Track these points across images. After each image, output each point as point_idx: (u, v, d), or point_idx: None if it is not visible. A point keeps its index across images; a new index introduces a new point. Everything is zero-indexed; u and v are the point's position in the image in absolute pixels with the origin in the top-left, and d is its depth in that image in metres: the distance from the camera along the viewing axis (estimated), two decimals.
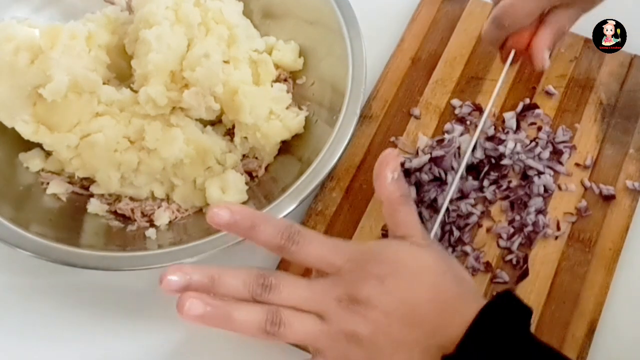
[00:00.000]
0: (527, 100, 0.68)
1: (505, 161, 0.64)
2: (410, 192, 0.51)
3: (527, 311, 0.46)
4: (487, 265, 0.61)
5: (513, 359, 0.43)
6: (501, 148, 0.65)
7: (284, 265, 0.60)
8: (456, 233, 0.61)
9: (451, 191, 0.59)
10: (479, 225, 0.62)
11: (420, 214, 0.62)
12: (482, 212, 0.63)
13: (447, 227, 0.61)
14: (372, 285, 0.46)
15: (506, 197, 0.63)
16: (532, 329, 0.58)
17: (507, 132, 0.66)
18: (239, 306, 0.46)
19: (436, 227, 0.57)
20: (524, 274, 0.60)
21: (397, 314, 0.46)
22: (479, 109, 0.68)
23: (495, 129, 0.67)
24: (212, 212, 0.48)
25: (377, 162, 0.51)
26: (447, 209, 0.62)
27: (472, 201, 0.63)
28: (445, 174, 0.64)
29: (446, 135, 0.66)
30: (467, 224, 0.62)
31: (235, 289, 0.47)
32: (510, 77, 0.70)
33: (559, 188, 0.64)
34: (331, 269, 0.48)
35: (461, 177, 0.63)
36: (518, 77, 0.70)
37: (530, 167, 0.64)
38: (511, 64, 0.62)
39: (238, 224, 0.48)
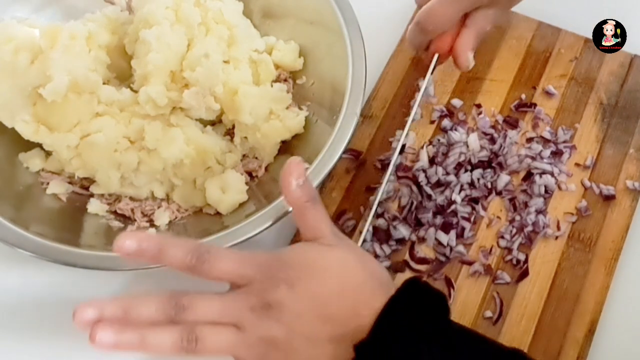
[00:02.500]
0: (523, 96, 0.68)
1: (509, 161, 0.64)
2: (317, 194, 0.53)
3: (438, 295, 0.47)
4: (488, 267, 0.61)
5: (426, 339, 0.44)
6: (496, 146, 0.65)
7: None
8: (452, 235, 0.61)
9: (381, 190, 0.60)
10: (473, 222, 0.62)
11: (420, 220, 0.62)
12: (485, 209, 0.63)
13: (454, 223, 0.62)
14: (282, 290, 0.48)
15: (511, 199, 0.63)
16: (531, 328, 0.58)
17: (504, 131, 0.66)
18: (152, 329, 0.48)
19: (367, 225, 0.59)
20: (524, 274, 0.60)
21: (309, 313, 0.47)
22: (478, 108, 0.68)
23: (493, 127, 0.67)
24: (118, 243, 0.49)
25: (282, 171, 0.52)
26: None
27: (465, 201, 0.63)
28: (447, 175, 0.64)
29: (448, 134, 0.66)
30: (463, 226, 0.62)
31: (149, 315, 0.48)
32: (511, 77, 0.70)
33: (559, 188, 0.64)
34: (244, 280, 0.49)
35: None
36: (518, 77, 0.70)
37: (535, 167, 0.64)
38: (435, 66, 0.63)
39: (145, 251, 0.49)
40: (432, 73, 0.63)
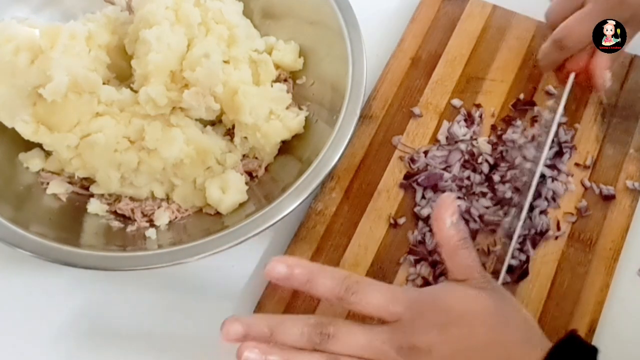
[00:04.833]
0: (522, 96, 0.68)
1: (517, 161, 0.64)
2: (469, 235, 0.51)
3: (593, 352, 0.46)
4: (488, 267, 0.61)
5: None
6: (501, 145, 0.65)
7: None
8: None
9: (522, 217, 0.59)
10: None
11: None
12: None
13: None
14: (433, 334, 0.46)
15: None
16: None
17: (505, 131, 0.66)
18: (297, 355, 0.47)
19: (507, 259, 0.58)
20: (524, 274, 0.60)
21: None
22: (478, 109, 0.68)
23: (494, 128, 0.67)
24: (270, 265, 0.49)
25: (436, 206, 0.51)
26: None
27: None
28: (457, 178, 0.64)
29: (449, 132, 0.66)
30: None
31: (294, 338, 0.47)
32: (511, 77, 0.70)
33: None
34: (391, 317, 0.48)
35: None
36: (518, 77, 0.70)
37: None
38: (572, 86, 0.62)
39: (295, 278, 0.49)
40: (570, 93, 0.62)
